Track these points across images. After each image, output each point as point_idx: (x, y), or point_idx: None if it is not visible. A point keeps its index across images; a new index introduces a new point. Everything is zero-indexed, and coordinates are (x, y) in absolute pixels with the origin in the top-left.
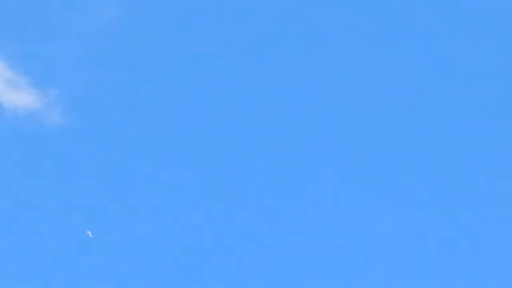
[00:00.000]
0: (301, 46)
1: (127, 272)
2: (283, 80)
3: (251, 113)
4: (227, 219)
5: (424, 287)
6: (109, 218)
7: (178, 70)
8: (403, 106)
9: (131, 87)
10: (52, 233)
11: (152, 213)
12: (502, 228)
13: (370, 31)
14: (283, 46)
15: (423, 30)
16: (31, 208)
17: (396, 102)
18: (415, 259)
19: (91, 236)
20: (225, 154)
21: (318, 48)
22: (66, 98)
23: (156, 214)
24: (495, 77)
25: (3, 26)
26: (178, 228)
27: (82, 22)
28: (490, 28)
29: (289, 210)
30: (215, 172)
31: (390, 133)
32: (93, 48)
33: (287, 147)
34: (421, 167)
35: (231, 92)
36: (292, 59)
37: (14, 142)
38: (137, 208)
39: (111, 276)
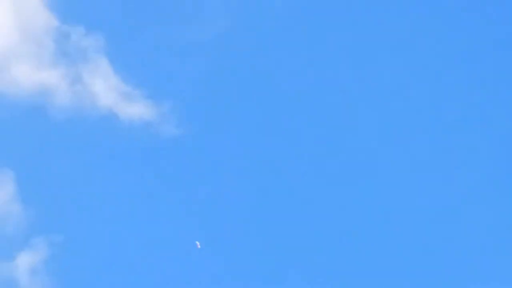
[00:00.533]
0: None
1: None
2: None
3: None
4: None
5: None
6: (235, 223)
7: (287, 81)
8: None
9: (243, 98)
10: (175, 238)
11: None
12: None
13: None
14: None
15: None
16: (146, 213)
17: None
18: None
19: (199, 247)
20: None
21: None
22: (180, 109)
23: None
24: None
25: (116, 41)
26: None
27: (194, 35)
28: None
29: None
30: None
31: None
32: (204, 60)
33: None
34: None
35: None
36: None
37: (130, 152)
38: (267, 208)
39: None
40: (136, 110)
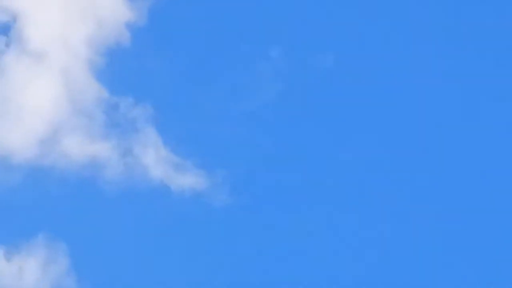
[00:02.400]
0: None
1: None
2: None
3: None
4: None
5: None
6: None
7: (339, 149)
8: None
9: (296, 166)
10: None
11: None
12: None
13: None
14: None
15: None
16: (200, 285)
17: None
18: None
19: None
20: None
21: None
22: (233, 178)
23: None
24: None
25: (164, 111)
26: None
27: (244, 103)
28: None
29: None
30: None
31: None
32: (255, 128)
33: None
34: None
35: None
36: None
37: (183, 223)
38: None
39: None
40: (188, 180)
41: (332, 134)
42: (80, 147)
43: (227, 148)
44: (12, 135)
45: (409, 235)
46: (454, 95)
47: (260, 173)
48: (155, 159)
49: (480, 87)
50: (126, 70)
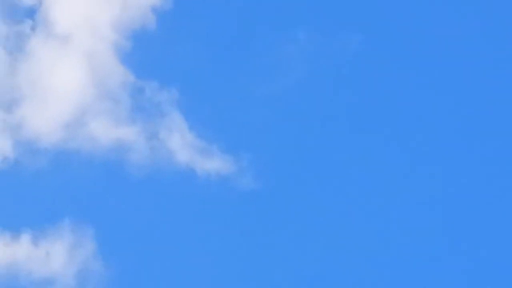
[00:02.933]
0: None
1: None
2: None
3: None
4: None
5: None
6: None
7: (365, 127)
8: None
9: (322, 148)
10: None
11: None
12: None
13: None
14: None
15: None
16: (225, 269)
17: None
18: None
19: None
20: None
21: None
22: (259, 162)
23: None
24: None
25: (190, 95)
26: None
27: (269, 86)
28: None
29: None
30: None
31: None
32: (281, 111)
33: None
34: None
35: None
36: None
37: (208, 207)
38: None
39: None
40: (213, 164)
41: (359, 117)
42: (106, 131)
43: (253, 131)
44: (38, 119)
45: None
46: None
47: (286, 157)
48: (180, 143)
49: None
50: (151, 54)
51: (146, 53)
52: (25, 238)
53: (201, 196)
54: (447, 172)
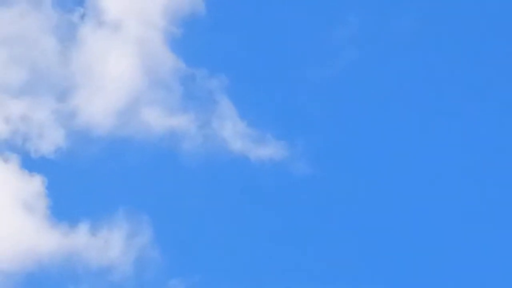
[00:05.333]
0: None
1: None
2: None
3: None
4: None
5: None
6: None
7: (422, 111)
8: None
9: (379, 134)
10: None
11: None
12: None
13: None
14: None
15: None
16: (284, 253)
17: None
18: None
19: None
20: None
21: None
22: (313, 147)
23: None
24: None
25: (240, 81)
26: None
27: (320, 71)
28: None
29: None
30: None
31: None
32: (334, 96)
33: None
34: None
35: None
36: None
37: (263, 194)
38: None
39: None
40: (267, 151)
41: (414, 100)
42: (159, 119)
43: (305, 117)
44: (91, 108)
45: None
46: None
47: (340, 142)
48: (233, 131)
49: None
50: (201, 41)
51: (196, 40)
52: (83, 228)
53: (256, 183)
54: None
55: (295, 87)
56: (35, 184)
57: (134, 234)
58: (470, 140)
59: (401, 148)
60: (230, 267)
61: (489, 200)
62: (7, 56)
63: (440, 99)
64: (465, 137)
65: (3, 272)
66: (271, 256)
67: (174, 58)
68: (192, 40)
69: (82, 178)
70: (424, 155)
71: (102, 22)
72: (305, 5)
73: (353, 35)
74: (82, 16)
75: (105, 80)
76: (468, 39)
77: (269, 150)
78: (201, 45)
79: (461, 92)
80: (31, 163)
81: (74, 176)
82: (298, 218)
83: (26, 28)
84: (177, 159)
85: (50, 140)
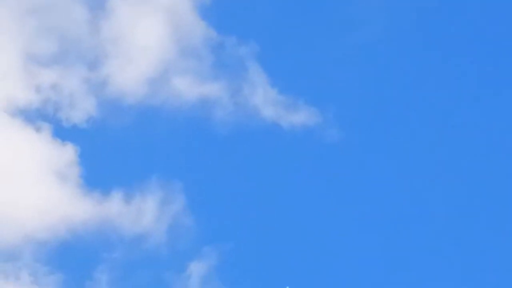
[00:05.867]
0: None
1: None
2: None
3: None
4: None
5: None
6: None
7: (448, 83)
8: None
9: (405, 100)
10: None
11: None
12: None
13: None
14: None
15: None
16: (315, 217)
17: None
18: None
19: None
20: None
21: None
22: (345, 113)
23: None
24: None
25: (271, 49)
26: None
27: (351, 39)
28: None
29: None
30: None
31: None
32: (364, 63)
33: None
34: None
35: None
36: None
37: (295, 160)
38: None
39: None
40: (298, 118)
41: (444, 67)
42: (190, 87)
43: (337, 83)
44: (121, 76)
45: None
46: None
47: (371, 107)
48: (264, 98)
49: None
50: (230, 8)
51: (226, 7)
52: (116, 196)
53: (288, 149)
54: None
55: (326, 53)
56: (68, 153)
57: (167, 201)
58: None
59: (432, 113)
60: (262, 235)
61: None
62: (37, 26)
63: (471, 69)
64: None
65: (37, 241)
66: (304, 222)
67: (204, 25)
68: (222, 7)
69: (114, 146)
70: (453, 120)
71: None
72: None
73: (383, 2)
74: None
75: (135, 49)
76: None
77: (300, 117)
78: (230, 12)
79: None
80: (63, 132)
81: (106, 144)
82: (331, 184)
83: None
84: (209, 127)
85: (82, 109)
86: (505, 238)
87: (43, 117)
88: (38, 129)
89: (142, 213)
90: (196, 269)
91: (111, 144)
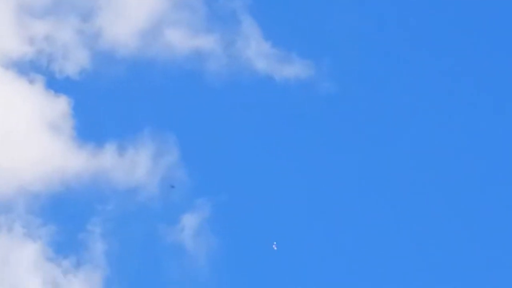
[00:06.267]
0: None
1: None
2: None
3: None
4: None
5: None
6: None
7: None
8: None
9: (403, 52)
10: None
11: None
12: None
13: None
14: None
15: None
16: (307, 172)
17: None
18: None
19: (275, 248)
20: None
21: None
22: (339, 66)
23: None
24: None
25: (264, 3)
26: None
27: None
28: None
29: None
30: None
31: None
32: (360, 16)
33: None
34: None
35: None
36: None
37: (288, 113)
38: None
39: None
40: (292, 70)
41: (442, 19)
42: (183, 40)
43: (331, 35)
44: (114, 28)
45: None
46: None
47: (365, 60)
48: (257, 51)
49: None
50: None
51: None
52: (109, 148)
53: (281, 102)
54: None
55: (320, 5)
56: (61, 105)
57: (160, 154)
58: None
59: (426, 65)
60: (256, 186)
61: None
62: None
63: (460, 19)
64: None
65: (30, 193)
66: (297, 174)
67: None
68: None
69: (107, 98)
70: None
71: None
72: None
73: None
74: None
75: (128, 1)
76: None
77: (294, 70)
78: None
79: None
80: (56, 84)
81: (99, 96)
82: (325, 136)
83: None
84: (202, 80)
85: (75, 61)
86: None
87: (36, 69)
88: (31, 81)
89: (136, 166)
90: (189, 221)
91: (104, 96)
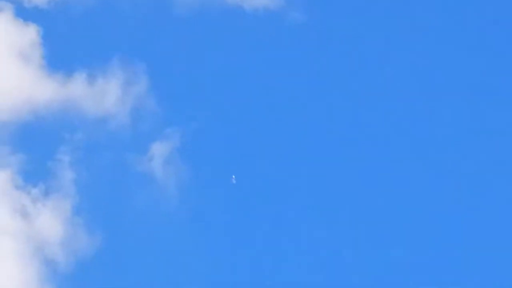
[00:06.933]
0: None
1: None
2: None
3: None
4: None
5: None
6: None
7: None
8: None
9: None
10: None
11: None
12: None
13: None
14: None
15: None
16: (277, 97)
17: None
18: None
19: (234, 182)
20: None
21: None
22: None
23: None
24: None
25: None
26: None
27: None
28: None
29: None
30: None
31: None
32: None
33: None
34: None
35: None
36: None
37: (257, 43)
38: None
39: None
40: (260, 0)
41: None
42: None
43: None
44: None
45: None
46: None
47: None
48: None
49: None
50: None
51: None
52: (79, 77)
53: (250, 32)
54: None
55: None
56: (30, 33)
57: (130, 83)
58: None
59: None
60: (225, 116)
61: None
62: None
63: None
64: None
65: None
66: (266, 102)
67: None
68: None
69: (76, 27)
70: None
71: None
72: None
73: None
74: None
75: None
76: None
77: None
78: None
79: None
80: (25, 12)
81: (68, 25)
82: (292, 66)
83: None
84: (171, 8)
85: None
86: None
87: None
88: None
89: (105, 95)
90: (158, 150)
91: (74, 25)
